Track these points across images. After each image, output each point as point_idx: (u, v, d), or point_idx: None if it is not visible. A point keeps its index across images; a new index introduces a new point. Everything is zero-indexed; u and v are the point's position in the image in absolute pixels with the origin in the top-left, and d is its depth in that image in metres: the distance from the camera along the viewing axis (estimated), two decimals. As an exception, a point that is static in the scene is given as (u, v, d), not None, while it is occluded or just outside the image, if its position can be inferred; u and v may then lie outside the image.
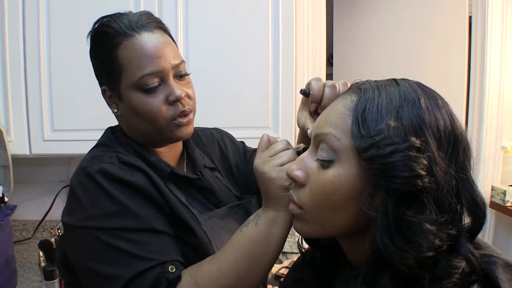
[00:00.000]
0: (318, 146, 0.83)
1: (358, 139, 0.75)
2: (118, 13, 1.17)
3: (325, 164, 0.79)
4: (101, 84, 1.21)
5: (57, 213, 2.61)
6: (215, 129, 1.49)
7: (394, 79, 0.82)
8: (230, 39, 2.30)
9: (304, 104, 1.03)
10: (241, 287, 1.01)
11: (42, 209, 2.61)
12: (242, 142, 1.51)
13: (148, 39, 1.13)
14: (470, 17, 2.98)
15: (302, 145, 1.02)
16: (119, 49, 1.12)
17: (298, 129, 1.06)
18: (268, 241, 1.00)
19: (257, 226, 1.01)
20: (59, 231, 2.38)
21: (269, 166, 0.98)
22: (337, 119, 0.80)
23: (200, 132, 1.42)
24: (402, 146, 0.71)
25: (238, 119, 2.24)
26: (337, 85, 0.95)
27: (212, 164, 1.36)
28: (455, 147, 0.76)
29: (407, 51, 3.16)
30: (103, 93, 1.21)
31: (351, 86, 0.88)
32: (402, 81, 0.81)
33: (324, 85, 0.97)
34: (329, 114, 0.83)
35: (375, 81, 0.84)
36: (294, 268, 1.10)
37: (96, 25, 1.17)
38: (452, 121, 0.77)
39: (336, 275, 0.96)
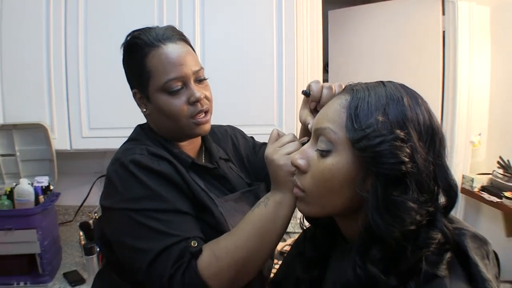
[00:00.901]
0: (317, 138, 0.83)
1: (352, 132, 0.76)
2: (147, 27, 1.18)
3: (324, 153, 0.80)
4: (132, 88, 1.21)
5: (93, 200, 2.62)
6: (229, 126, 1.49)
7: (382, 81, 0.83)
8: (241, 50, 2.30)
9: (305, 103, 1.04)
10: (252, 259, 1.01)
11: (81, 196, 2.62)
12: (252, 137, 1.50)
13: (173, 49, 1.13)
14: (443, 32, 2.98)
15: (306, 138, 1.01)
16: (148, 58, 1.12)
17: (300, 125, 1.06)
18: (276, 219, 1.00)
19: (266, 207, 1.01)
20: (96, 214, 2.37)
21: (278, 154, 0.98)
22: (333, 116, 0.81)
23: (215, 129, 1.42)
24: (389, 137, 0.73)
25: (248, 117, 2.24)
26: (333, 87, 0.97)
27: (226, 156, 1.36)
28: (432, 138, 0.77)
29: (391, 60, 3.16)
30: (134, 95, 1.21)
31: (345, 87, 0.88)
32: (388, 83, 0.82)
33: (322, 86, 0.98)
34: (327, 112, 0.84)
35: (365, 83, 0.84)
36: (296, 244, 1.10)
37: (128, 38, 1.18)
38: (430, 117, 0.79)
39: (333, 249, 0.96)
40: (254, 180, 1.37)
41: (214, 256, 0.99)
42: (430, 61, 2.99)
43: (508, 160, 2.65)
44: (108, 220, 1.12)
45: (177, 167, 1.13)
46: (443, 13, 2.97)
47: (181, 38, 1.18)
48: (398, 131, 0.74)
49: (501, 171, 2.67)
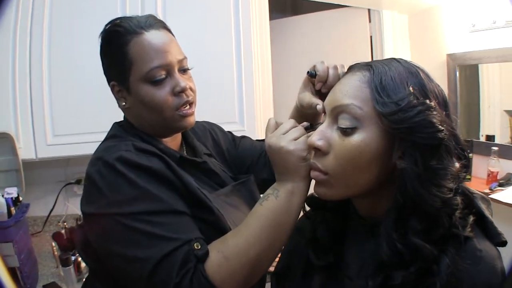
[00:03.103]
0: (336, 117, 0.71)
1: (383, 106, 0.66)
2: (126, 16, 0.95)
3: (348, 131, 0.68)
4: (110, 80, 0.96)
5: (59, 209, 2.27)
6: (205, 121, 1.25)
7: (392, 58, 0.74)
8: (204, 54, 2.07)
9: (305, 85, 0.89)
10: (267, 255, 0.79)
11: (47, 206, 2.25)
12: (230, 132, 1.27)
13: (156, 36, 0.91)
14: (371, 37, 2.96)
15: (306, 123, 0.84)
16: (130, 45, 0.89)
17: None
18: (289, 210, 0.79)
19: (278, 199, 0.79)
20: (65, 223, 2.08)
21: (285, 141, 0.77)
22: (354, 92, 0.69)
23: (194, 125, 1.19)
24: (424, 107, 0.65)
25: (211, 115, 2.04)
26: (338, 67, 0.82)
27: (208, 151, 1.13)
28: (447, 108, 0.71)
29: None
30: (112, 88, 0.97)
31: (351, 66, 0.76)
32: (399, 59, 0.73)
33: (328, 67, 0.83)
34: (344, 89, 0.71)
35: (377, 60, 0.74)
36: (299, 232, 0.87)
37: (108, 26, 0.94)
38: (441, 89, 0.72)
39: (345, 228, 0.82)
40: (236, 173, 1.15)
41: (224, 257, 0.76)
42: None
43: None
44: (94, 228, 0.85)
45: (169, 163, 0.89)
46: (370, 21, 2.96)
47: (164, 26, 0.96)
48: (428, 101, 0.66)
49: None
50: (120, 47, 0.90)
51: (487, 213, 0.71)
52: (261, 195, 0.83)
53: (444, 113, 0.68)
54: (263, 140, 1.26)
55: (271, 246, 0.78)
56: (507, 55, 2.01)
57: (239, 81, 2.11)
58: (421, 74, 0.70)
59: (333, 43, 3.01)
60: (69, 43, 1.92)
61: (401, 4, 2.81)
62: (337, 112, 0.70)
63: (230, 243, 0.78)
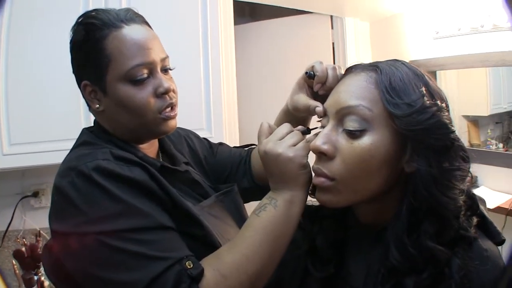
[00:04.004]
0: (341, 119, 0.66)
1: (394, 107, 0.62)
2: (103, 8, 0.84)
3: (357, 134, 0.64)
4: (81, 80, 0.85)
5: (16, 223, 2.06)
6: (179, 128, 1.14)
7: (395, 59, 0.71)
8: (170, 59, 1.97)
9: (300, 87, 0.82)
10: (266, 270, 0.72)
11: (4, 221, 2.03)
12: (205, 138, 1.18)
13: (139, 31, 0.82)
14: (333, 44, 2.95)
15: (301, 127, 0.77)
16: (108, 39, 0.79)
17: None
18: (289, 220, 0.72)
19: (276, 209, 0.72)
20: (24, 239, 1.90)
21: (283, 147, 0.70)
22: (363, 92, 0.65)
23: None
24: (437, 109, 0.63)
25: (180, 122, 1.95)
26: (337, 67, 0.75)
27: (185, 159, 1.03)
28: (448, 110, 0.67)
29: (289, 69, 2.92)
30: (83, 89, 0.85)
31: (350, 67, 0.72)
32: (402, 61, 0.71)
33: (326, 67, 0.76)
34: (350, 89, 0.67)
35: (380, 61, 0.70)
36: (292, 243, 0.79)
37: (81, 19, 0.83)
38: (442, 91, 0.69)
39: (345, 236, 0.77)
40: (214, 183, 1.06)
41: (220, 275, 0.69)
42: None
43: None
44: (68, 249, 0.73)
45: (153, 173, 0.79)
46: (332, 28, 2.95)
47: (145, 21, 0.87)
48: (439, 103, 0.64)
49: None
50: (96, 42, 0.79)
51: (486, 213, 0.70)
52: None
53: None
54: (241, 147, 1.19)
55: (270, 260, 0.71)
56: (472, 61, 2.06)
57: (207, 87, 2.02)
58: (425, 76, 0.68)
59: (295, 49, 2.97)
60: (28, 43, 1.70)
61: (363, 12, 2.82)
62: (343, 114, 0.66)
63: (226, 259, 0.70)
